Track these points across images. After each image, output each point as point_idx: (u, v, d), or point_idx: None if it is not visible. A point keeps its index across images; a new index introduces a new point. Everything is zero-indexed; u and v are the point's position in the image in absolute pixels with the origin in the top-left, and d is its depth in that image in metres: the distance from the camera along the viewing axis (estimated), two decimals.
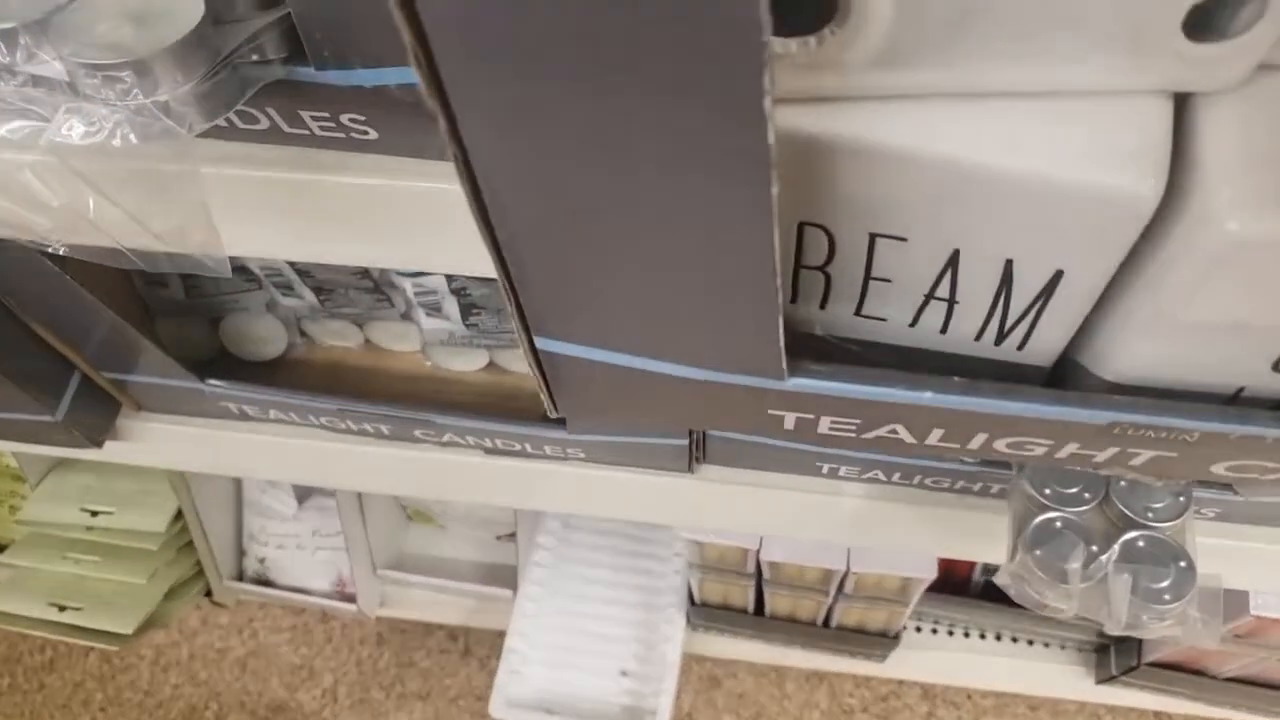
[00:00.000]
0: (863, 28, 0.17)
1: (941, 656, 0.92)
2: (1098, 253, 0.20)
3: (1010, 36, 0.17)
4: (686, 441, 0.53)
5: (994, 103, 0.19)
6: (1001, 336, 0.25)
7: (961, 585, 0.90)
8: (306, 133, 0.31)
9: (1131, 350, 0.23)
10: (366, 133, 0.31)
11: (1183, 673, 0.82)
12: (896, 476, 0.57)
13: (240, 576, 0.87)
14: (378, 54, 0.26)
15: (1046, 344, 0.24)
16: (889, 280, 0.24)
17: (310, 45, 0.27)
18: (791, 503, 0.60)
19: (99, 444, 0.57)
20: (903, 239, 0.22)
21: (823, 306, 0.26)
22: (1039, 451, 0.26)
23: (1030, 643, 0.93)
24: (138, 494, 0.77)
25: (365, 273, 0.52)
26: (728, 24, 0.13)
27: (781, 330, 0.21)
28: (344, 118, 0.30)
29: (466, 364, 0.58)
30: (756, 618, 0.85)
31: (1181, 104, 0.20)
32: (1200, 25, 0.18)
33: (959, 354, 0.26)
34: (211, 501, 0.81)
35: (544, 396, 0.27)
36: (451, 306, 0.54)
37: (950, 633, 0.94)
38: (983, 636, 0.93)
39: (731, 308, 0.21)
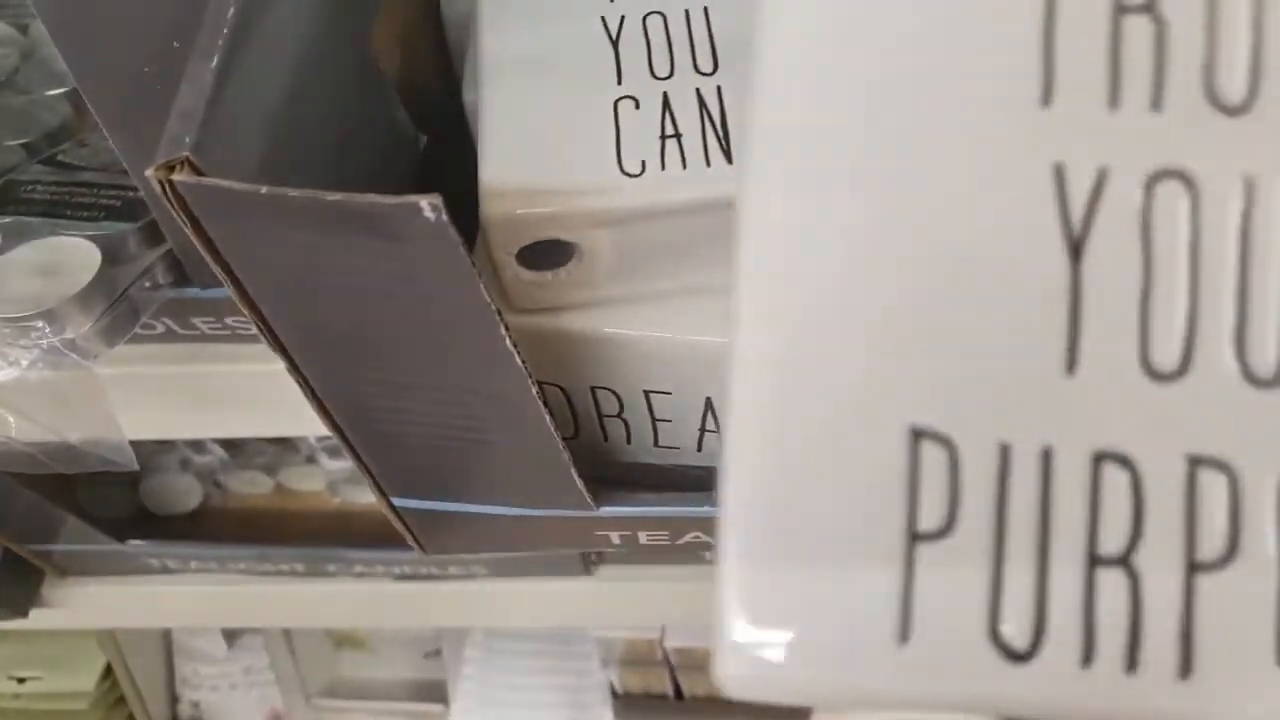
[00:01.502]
0: (592, 265, 0.24)
1: (858, 714, 0.97)
2: None
3: (694, 260, 0.24)
4: (579, 549, 0.58)
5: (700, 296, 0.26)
6: None
7: None
8: (198, 333, 0.37)
9: None
10: (248, 329, 0.36)
11: None
12: None
13: None
14: None
15: None
16: (670, 420, 0.30)
17: (191, 271, 0.33)
18: (683, 591, 0.65)
19: (24, 614, 0.60)
20: (668, 392, 0.28)
21: (629, 443, 0.32)
22: None
23: None
24: (65, 654, 0.79)
25: None
26: (482, 341, 0.19)
27: (577, 477, 0.27)
28: (228, 320, 0.36)
29: (371, 496, 0.63)
30: (679, 702, 0.89)
31: None
32: None
33: None
34: (141, 653, 0.83)
35: (411, 542, 0.32)
36: None
37: None
38: None
39: (538, 468, 0.27)
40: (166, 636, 0.88)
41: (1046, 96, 0.13)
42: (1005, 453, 0.14)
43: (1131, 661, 0.13)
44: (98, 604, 0.63)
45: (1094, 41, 0.13)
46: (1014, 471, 0.14)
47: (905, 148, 0.14)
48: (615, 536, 0.33)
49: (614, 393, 0.29)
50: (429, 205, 0.16)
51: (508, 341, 0.20)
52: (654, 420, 0.30)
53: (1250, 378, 0.13)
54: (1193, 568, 0.13)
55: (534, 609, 0.65)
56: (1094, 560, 0.13)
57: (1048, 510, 0.13)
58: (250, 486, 0.65)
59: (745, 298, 0.15)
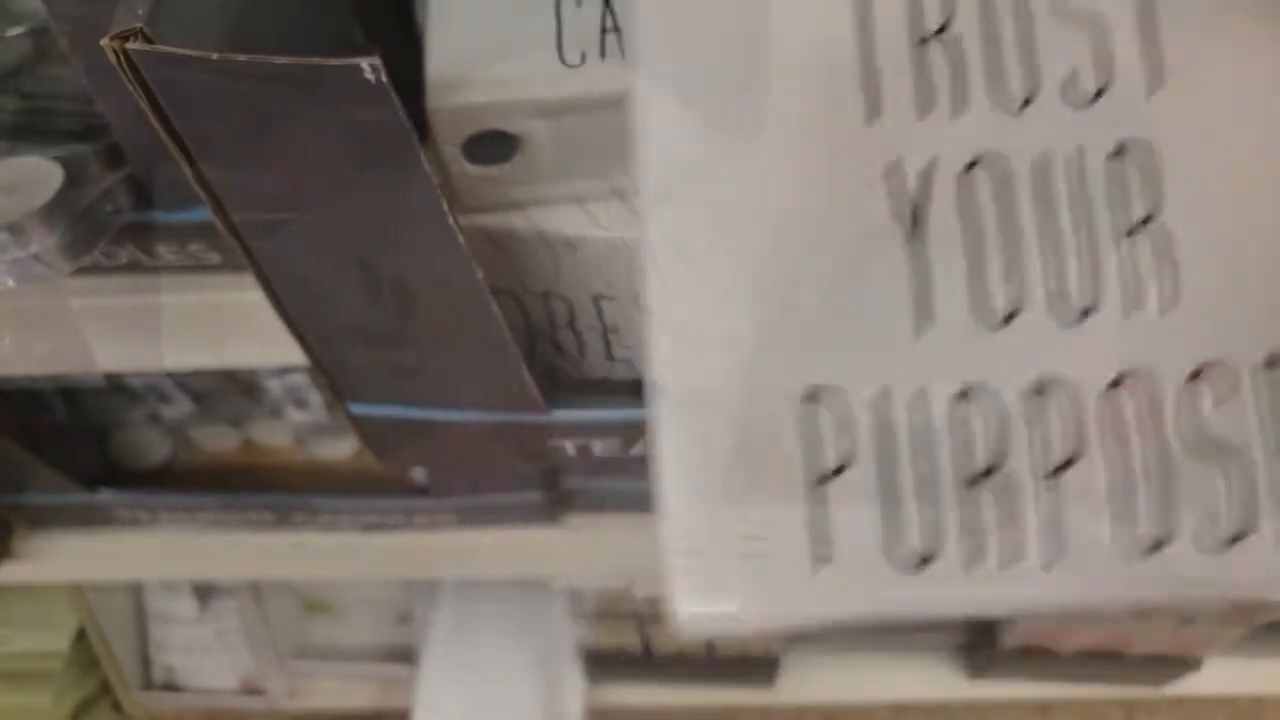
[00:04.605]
0: (535, 159, 0.25)
1: (832, 675, 0.99)
2: None
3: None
4: (542, 495, 0.59)
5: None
6: None
7: None
8: (161, 262, 0.38)
9: None
10: (210, 257, 0.37)
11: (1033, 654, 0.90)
12: None
13: (149, 686, 0.89)
14: None
15: None
16: (618, 330, 0.31)
17: (153, 193, 0.34)
18: (651, 541, 0.66)
19: None
20: (614, 298, 0.29)
21: (582, 355, 0.33)
22: None
23: (904, 649, 1.00)
24: (36, 616, 0.80)
25: (234, 376, 0.58)
26: (424, 217, 0.20)
27: (527, 374, 0.28)
28: (190, 247, 0.37)
29: (337, 451, 0.64)
30: (647, 660, 0.91)
31: None
32: None
33: None
34: (113, 615, 0.84)
35: (370, 452, 0.33)
36: (316, 397, 0.60)
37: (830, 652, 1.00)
38: (860, 651, 0.99)
39: (488, 366, 0.28)
40: (137, 599, 0.89)
41: (870, 116, 0.16)
42: (887, 394, 0.16)
43: (1007, 558, 0.16)
44: (68, 557, 0.63)
45: (903, 67, 0.17)
46: (894, 409, 0.16)
47: (769, 178, 0.17)
48: (569, 446, 0.34)
49: (564, 299, 0.30)
50: (369, 65, 0.17)
51: (450, 218, 0.21)
52: (605, 329, 0.31)
53: (1061, 319, 0.16)
54: (1050, 472, 0.16)
55: (501, 559, 0.66)
56: (969, 478, 0.16)
57: (930, 439, 0.16)
58: (218, 440, 0.66)
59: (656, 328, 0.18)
